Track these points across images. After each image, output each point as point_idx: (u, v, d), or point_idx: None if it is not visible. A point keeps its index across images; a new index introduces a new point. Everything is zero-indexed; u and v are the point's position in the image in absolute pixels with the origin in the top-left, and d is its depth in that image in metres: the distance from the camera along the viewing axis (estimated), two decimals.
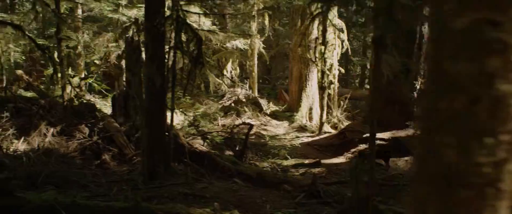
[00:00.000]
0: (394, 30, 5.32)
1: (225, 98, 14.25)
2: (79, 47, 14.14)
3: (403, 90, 10.80)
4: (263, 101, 14.85)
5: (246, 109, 13.63)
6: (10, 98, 10.56)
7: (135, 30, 9.75)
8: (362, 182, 5.39)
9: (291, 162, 10.48)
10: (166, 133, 8.16)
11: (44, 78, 13.79)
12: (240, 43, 14.03)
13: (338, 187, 8.09)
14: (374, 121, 5.68)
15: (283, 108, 14.72)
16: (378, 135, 9.08)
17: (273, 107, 15.02)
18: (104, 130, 9.57)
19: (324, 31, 12.26)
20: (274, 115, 14.17)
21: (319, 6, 12.17)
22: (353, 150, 11.04)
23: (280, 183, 8.35)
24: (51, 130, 9.23)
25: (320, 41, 12.38)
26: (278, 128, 13.27)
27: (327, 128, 13.02)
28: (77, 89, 11.31)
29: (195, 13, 7.64)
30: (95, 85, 12.71)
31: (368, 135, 7.25)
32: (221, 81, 13.52)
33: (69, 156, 8.96)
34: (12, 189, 5.24)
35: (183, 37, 7.93)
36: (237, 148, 10.21)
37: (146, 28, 7.55)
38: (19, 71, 12.33)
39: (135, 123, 9.56)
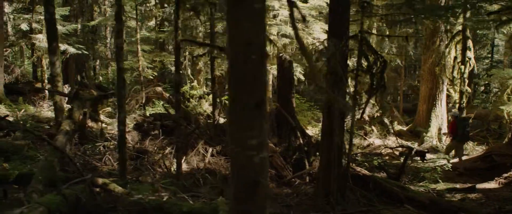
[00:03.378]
0: None
1: (349, 116, 13.89)
2: (200, 63, 14.27)
3: None
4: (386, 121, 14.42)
5: (373, 128, 13.24)
6: (155, 115, 10.67)
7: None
8: None
9: (441, 185, 10.00)
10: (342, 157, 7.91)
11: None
12: None
13: None
14: None
15: (407, 127, 14.24)
16: None
17: (397, 126, 14.56)
18: None
19: (464, 50, 11.74)
20: (399, 135, 13.71)
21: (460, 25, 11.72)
22: (505, 175, 10.41)
23: (457, 211, 7.93)
24: (210, 149, 9.19)
25: (459, 60, 11.87)
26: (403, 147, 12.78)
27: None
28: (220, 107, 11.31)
29: (377, 34, 7.35)
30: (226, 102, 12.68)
31: None
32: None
33: (228, 176, 8.88)
34: None
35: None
36: (387, 170, 9.88)
37: (326, 48, 7.33)
38: (159, 88, 12.55)
39: (291, 144, 9.40)
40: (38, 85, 17.35)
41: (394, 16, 7.53)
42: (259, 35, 2.66)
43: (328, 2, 7.38)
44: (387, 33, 10.27)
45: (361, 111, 8.45)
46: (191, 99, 11.80)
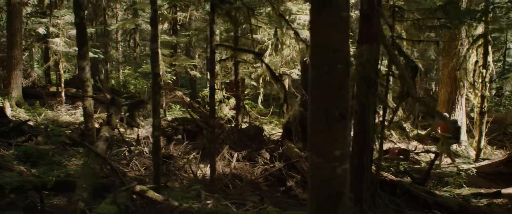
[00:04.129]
0: None
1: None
2: (216, 67, 14.17)
3: None
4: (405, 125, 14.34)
5: (392, 132, 13.16)
6: (178, 120, 10.63)
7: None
8: None
9: (466, 190, 9.90)
10: (373, 163, 7.83)
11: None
12: None
13: None
14: None
15: (425, 131, 14.14)
16: None
17: (415, 130, 14.47)
18: (284, 156, 9.40)
19: (486, 54, 11.67)
20: (418, 138, 13.62)
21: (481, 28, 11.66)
22: None
23: None
24: (236, 154, 9.13)
25: (480, 64, 11.79)
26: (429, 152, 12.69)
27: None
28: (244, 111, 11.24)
29: (409, 40, 7.28)
30: (247, 107, 12.67)
31: None
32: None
33: (255, 182, 8.83)
34: None
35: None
36: (412, 175, 9.80)
37: (359, 53, 7.27)
38: (179, 93, 12.50)
39: None
40: (53, 89, 17.36)
41: (424, 22, 7.46)
42: (344, 43, 2.61)
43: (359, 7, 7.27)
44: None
45: (391, 117, 8.34)
46: None
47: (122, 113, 5.61)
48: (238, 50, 7.01)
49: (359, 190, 7.42)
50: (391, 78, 8.08)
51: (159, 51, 12.94)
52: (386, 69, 7.66)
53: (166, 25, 20.06)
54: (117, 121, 5.56)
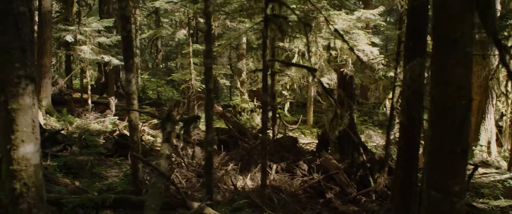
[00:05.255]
0: None
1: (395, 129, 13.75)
2: (243, 74, 14.22)
3: None
4: None
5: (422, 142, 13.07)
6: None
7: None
8: None
9: (503, 202, 9.81)
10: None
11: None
12: None
13: None
14: None
15: None
16: None
17: None
18: (322, 167, 9.36)
19: None
20: None
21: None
22: None
23: None
24: (275, 166, 9.11)
25: None
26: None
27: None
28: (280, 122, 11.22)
29: None
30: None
31: None
32: None
33: (295, 194, 8.80)
34: None
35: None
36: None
37: (410, 68, 7.23)
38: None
39: (355, 160, 9.30)
40: (76, 95, 17.45)
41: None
42: (468, 78, 2.59)
43: (406, 20, 7.23)
44: None
45: None
46: (242, 113, 11.75)
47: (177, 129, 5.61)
48: (292, 65, 6.99)
49: (408, 206, 7.38)
50: None
51: (192, 60, 13.04)
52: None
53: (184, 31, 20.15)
54: (175, 137, 5.56)
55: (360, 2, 20.39)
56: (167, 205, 5.13)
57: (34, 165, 3.47)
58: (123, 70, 20.07)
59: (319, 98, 15.16)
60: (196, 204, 5.48)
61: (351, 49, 7.31)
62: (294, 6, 9.80)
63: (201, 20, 16.58)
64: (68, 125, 12.22)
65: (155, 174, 4.73)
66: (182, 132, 5.67)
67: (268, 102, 6.84)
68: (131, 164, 7.42)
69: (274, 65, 8.55)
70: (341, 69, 9.60)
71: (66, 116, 13.68)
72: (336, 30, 6.84)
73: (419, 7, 7.14)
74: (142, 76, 23.50)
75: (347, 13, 13.76)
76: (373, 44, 12.95)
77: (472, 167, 10.58)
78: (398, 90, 9.25)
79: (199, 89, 13.25)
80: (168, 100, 16.25)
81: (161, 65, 20.82)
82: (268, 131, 11.78)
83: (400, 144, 7.57)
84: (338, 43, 12.17)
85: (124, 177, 8.38)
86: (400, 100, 9.78)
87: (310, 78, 6.33)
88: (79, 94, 16.76)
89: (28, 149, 3.42)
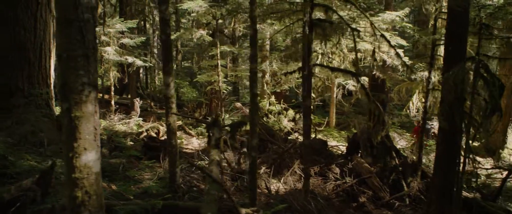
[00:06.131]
0: None
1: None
2: (266, 76, 14.15)
3: None
4: None
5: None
6: (241, 131, 10.56)
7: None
8: None
9: None
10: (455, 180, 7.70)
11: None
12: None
13: None
14: None
15: (480, 143, 13.96)
16: None
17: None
18: (353, 170, 9.32)
19: None
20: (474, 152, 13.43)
21: None
22: None
23: None
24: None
25: None
26: (485, 165, 12.51)
27: None
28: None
29: (496, 58, 7.15)
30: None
31: None
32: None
33: (328, 198, 8.75)
34: None
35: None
36: (482, 191, 9.64)
37: (453, 74, 7.15)
38: (238, 104, 12.46)
39: (387, 164, 9.24)
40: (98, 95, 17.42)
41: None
42: None
43: (446, 25, 7.15)
44: None
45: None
46: (269, 115, 11.69)
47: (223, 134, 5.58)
48: (336, 70, 6.93)
49: (446, 211, 7.31)
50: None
51: (219, 62, 13.01)
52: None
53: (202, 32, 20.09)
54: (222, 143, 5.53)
55: (381, 4, 20.24)
56: (218, 211, 5.11)
57: (95, 173, 3.43)
58: (143, 71, 20.15)
59: (341, 100, 15.10)
60: (244, 210, 5.46)
61: (398, 55, 7.21)
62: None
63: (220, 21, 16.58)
64: None
65: (208, 181, 4.70)
66: (228, 137, 5.62)
67: (310, 107, 6.79)
68: (169, 168, 7.41)
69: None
70: (373, 73, 9.54)
71: None
72: (382, 35, 6.78)
73: (460, 13, 7.09)
74: (160, 76, 23.52)
75: (371, 15, 13.68)
76: (400, 46, 12.87)
77: (505, 171, 10.53)
78: (431, 95, 9.18)
79: (224, 91, 13.22)
80: (190, 102, 16.21)
81: (181, 65, 20.80)
82: (296, 134, 11.77)
83: (440, 149, 7.50)
84: (365, 45, 12.12)
85: (158, 180, 8.37)
86: (430, 105, 9.74)
87: (355, 82, 6.27)
88: (100, 94, 16.78)
89: (90, 157, 3.38)
